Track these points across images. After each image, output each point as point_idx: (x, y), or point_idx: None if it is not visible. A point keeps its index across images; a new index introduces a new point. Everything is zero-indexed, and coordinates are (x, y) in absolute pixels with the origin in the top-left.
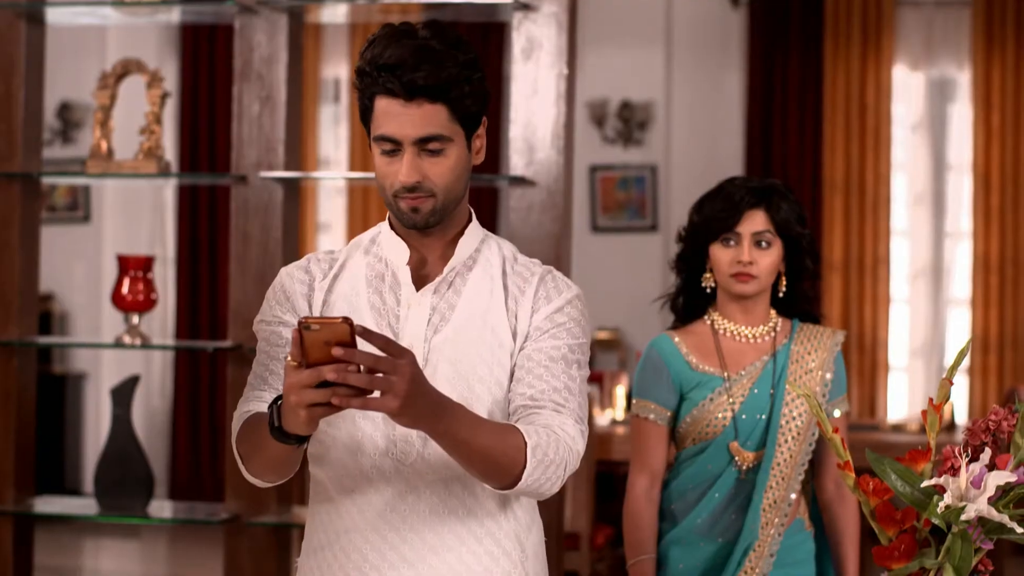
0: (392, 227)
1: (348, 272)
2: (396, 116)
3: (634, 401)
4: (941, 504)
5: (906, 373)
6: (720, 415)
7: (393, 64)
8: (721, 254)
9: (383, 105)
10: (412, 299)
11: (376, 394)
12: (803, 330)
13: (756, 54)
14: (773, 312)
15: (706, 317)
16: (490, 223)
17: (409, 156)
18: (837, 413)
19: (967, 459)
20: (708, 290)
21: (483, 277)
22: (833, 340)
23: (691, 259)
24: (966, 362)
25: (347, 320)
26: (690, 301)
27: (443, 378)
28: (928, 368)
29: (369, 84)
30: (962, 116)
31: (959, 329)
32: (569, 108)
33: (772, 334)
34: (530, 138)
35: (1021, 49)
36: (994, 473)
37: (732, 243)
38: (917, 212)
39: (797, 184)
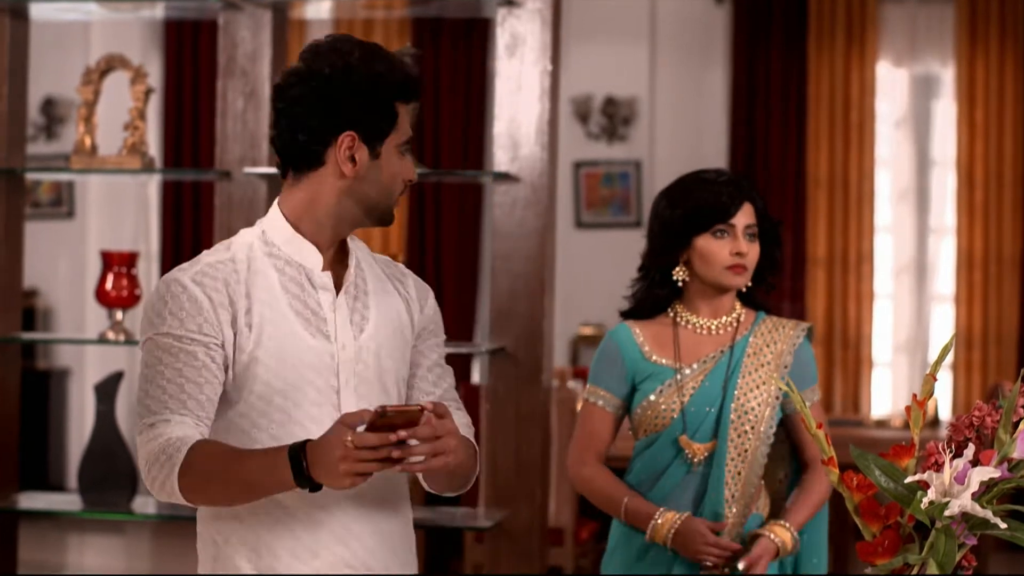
0: (299, 232)
1: (259, 278)
2: (409, 119)
3: (587, 386)
4: (925, 500)
5: (890, 369)
6: (667, 408)
7: (409, 72)
8: (714, 246)
9: (404, 110)
10: (335, 303)
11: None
12: (766, 323)
13: (740, 50)
14: (738, 304)
15: (669, 310)
16: (474, 219)
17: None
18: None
19: (951, 455)
20: (680, 283)
21: (376, 276)
22: (795, 332)
23: (668, 252)
24: (950, 358)
25: (423, 408)
26: (656, 295)
27: (372, 376)
28: (912, 364)
29: (395, 92)
30: (946, 112)
31: (943, 325)
32: (553, 104)
33: (734, 326)
34: (514, 134)
35: (1004, 45)
36: (978, 469)
37: (726, 235)
38: (901, 208)
39: (781, 180)
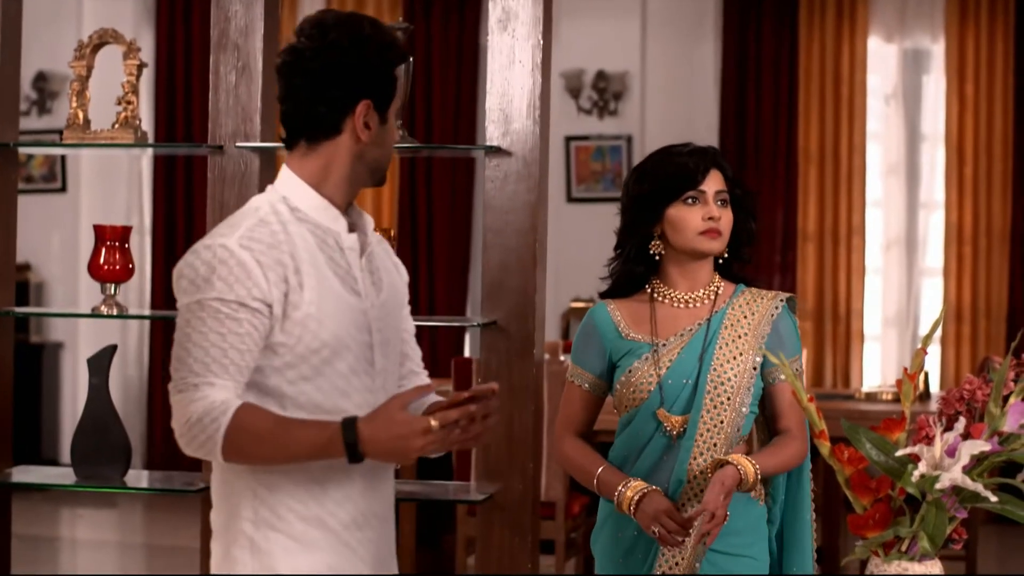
0: (322, 195)
1: (298, 239)
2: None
3: (569, 364)
4: (916, 473)
5: (879, 343)
6: (645, 381)
7: (400, 39)
8: (686, 213)
9: (401, 75)
10: (360, 264)
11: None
12: (745, 294)
13: (731, 24)
14: (717, 276)
15: (647, 286)
16: (466, 193)
17: None
18: (783, 377)
19: (942, 428)
20: (657, 257)
21: (377, 240)
22: (774, 302)
23: (640, 227)
24: (939, 332)
25: (493, 390)
26: (633, 268)
27: (392, 335)
28: (901, 338)
29: (397, 60)
30: (936, 87)
31: (932, 299)
32: (545, 78)
33: (711, 298)
34: (506, 108)
35: (994, 20)
36: (968, 442)
37: (697, 202)
38: (891, 182)
39: (771, 155)
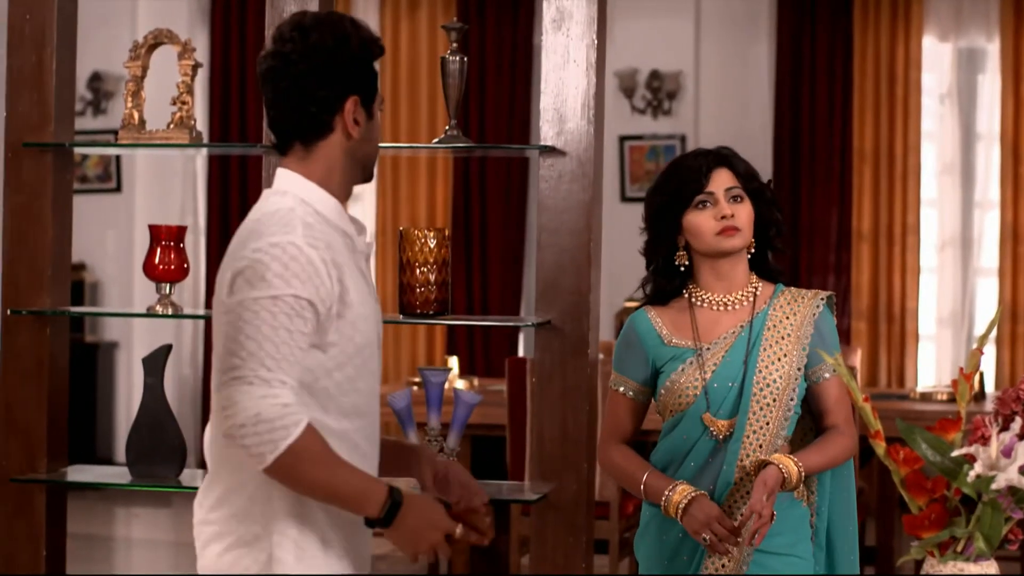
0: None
1: (333, 241)
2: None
3: (612, 374)
4: (972, 473)
5: (934, 343)
6: (691, 387)
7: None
8: (699, 218)
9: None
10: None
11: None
12: (785, 294)
13: (785, 24)
14: (754, 276)
15: (685, 292)
16: (520, 192)
17: None
18: (827, 375)
19: (998, 428)
20: (682, 268)
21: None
22: (815, 302)
23: (663, 240)
24: (994, 332)
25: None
26: (666, 283)
27: (381, 335)
28: (956, 338)
29: (376, 54)
30: (991, 86)
31: (987, 299)
32: (599, 78)
33: (751, 299)
34: (560, 108)
35: None
36: None
37: (708, 204)
38: (946, 182)
39: (826, 154)
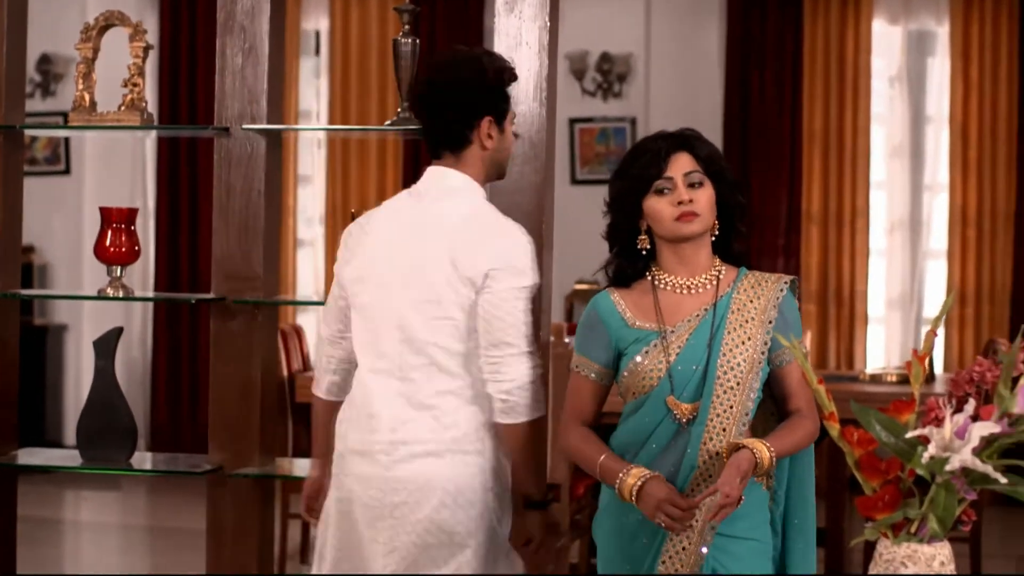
0: None
1: None
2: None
3: (573, 356)
4: (926, 455)
5: (883, 325)
6: (655, 369)
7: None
8: (659, 204)
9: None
10: None
11: None
12: (748, 278)
13: (735, 6)
14: (717, 259)
15: (648, 275)
16: None
17: None
18: (790, 359)
19: (952, 410)
20: (644, 252)
21: None
22: (778, 285)
23: (624, 224)
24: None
25: None
26: (628, 266)
27: None
28: (905, 320)
29: (510, 81)
30: (941, 69)
31: (936, 281)
32: (551, 60)
33: (714, 282)
34: (513, 90)
35: (999, 2)
36: (979, 424)
37: (667, 190)
38: (895, 165)
39: (776, 137)
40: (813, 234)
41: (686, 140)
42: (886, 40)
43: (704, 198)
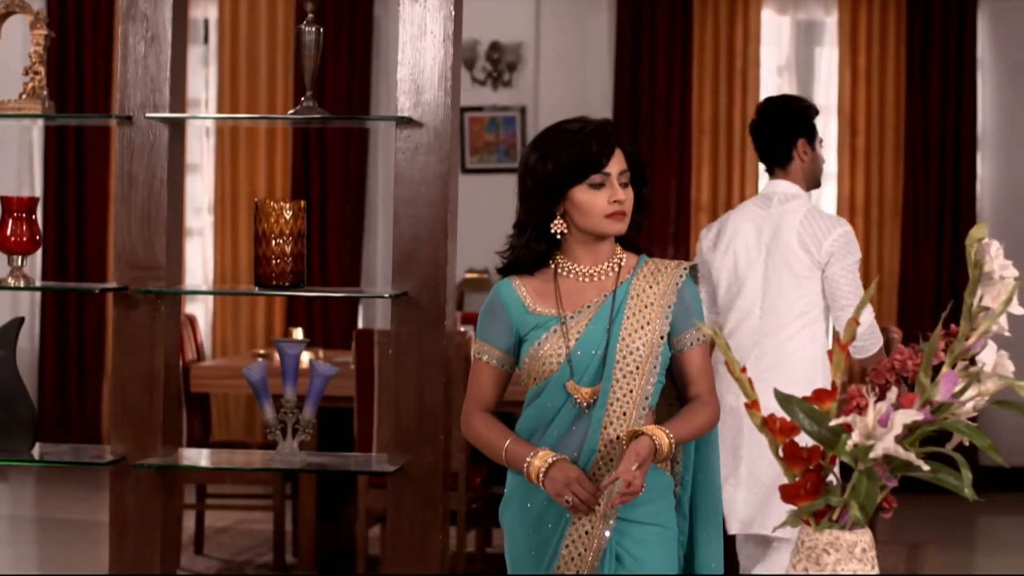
0: None
1: None
2: None
3: (474, 343)
4: (850, 443)
5: None
6: (554, 354)
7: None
8: (593, 197)
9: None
10: None
11: None
12: (648, 265)
13: None
14: (618, 248)
15: (551, 262)
16: (359, 165)
17: None
18: (691, 344)
19: (875, 398)
20: (559, 236)
21: None
22: (677, 271)
23: (545, 207)
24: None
25: None
26: (532, 253)
27: None
28: None
29: (814, 114)
30: (829, 59)
31: None
32: (456, 49)
33: (615, 270)
34: (417, 79)
35: None
36: (901, 412)
37: (601, 186)
38: None
39: (665, 126)
40: (702, 222)
41: (619, 137)
42: (775, 30)
43: (630, 199)
